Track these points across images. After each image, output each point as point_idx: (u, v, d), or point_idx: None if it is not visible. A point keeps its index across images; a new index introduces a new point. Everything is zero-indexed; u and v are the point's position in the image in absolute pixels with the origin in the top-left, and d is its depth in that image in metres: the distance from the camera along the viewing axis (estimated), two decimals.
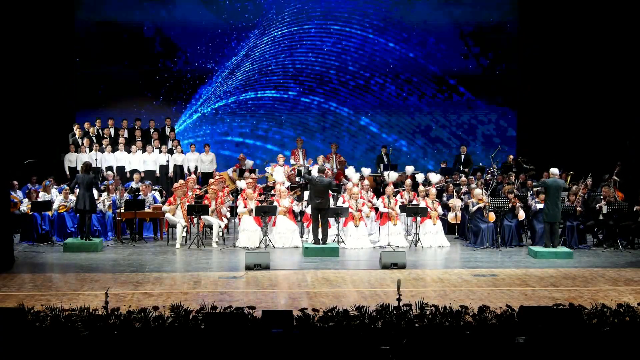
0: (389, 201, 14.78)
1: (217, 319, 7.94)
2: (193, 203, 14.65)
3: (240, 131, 20.63)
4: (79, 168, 15.74)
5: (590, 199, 15.27)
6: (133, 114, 19.48)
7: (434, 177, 16.24)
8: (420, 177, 15.95)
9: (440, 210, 15.22)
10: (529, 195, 15.72)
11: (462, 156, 19.33)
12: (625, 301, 9.39)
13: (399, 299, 8.39)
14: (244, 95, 20.57)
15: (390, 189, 15.07)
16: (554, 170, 14.14)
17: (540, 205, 14.40)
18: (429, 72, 20.90)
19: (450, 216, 15.77)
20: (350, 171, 15.75)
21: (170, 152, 18.34)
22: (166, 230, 15.13)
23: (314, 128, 20.83)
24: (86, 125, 18.38)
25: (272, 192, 15.67)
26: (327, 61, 20.73)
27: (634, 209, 14.77)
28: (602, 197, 14.94)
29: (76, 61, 19.56)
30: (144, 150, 18.04)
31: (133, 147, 17.95)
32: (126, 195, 15.38)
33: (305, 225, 15.21)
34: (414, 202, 15.14)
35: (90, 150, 17.70)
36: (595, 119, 18.76)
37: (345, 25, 20.72)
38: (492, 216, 14.66)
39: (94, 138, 18.15)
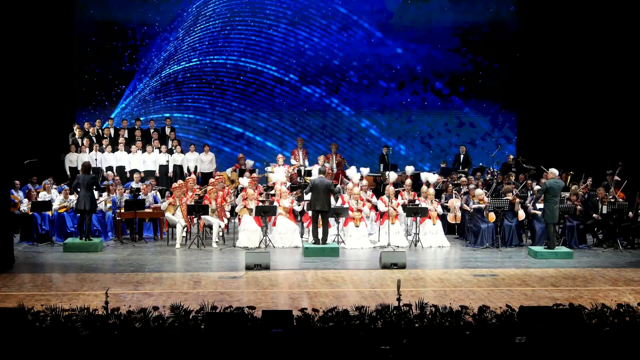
0: (390, 201, 14.77)
1: (217, 319, 7.94)
2: (193, 203, 14.65)
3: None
4: (79, 168, 15.74)
5: (590, 199, 15.27)
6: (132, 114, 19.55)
7: (432, 177, 16.23)
8: (423, 177, 15.91)
9: (440, 210, 15.21)
10: (529, 195, 15.72)
11: (462, 156, 19.31)
12: (625, 301, 9.40)
13: (399, 299, 8.40)
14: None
15: (391, 189, 15.05)
16: (554, 171, 14.12)
17: (540, 205, 14.39)
18: (428, 74, 20.94)
19: (450, 216, 15.77)
20: (350, 171, 15.73)
21: (170, 152, 18.33)
22: (166, 230, 15.13)
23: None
24: (86, 125, 18.36)
25: (272, 192, 15.67)
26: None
27: (629, 214, 14.75)
28: (597, 197, 14.95)
29: (75, 60, 19.58)
30: (143, 150, 18.03)
31: (133, 147, 17.94)
32: (126, 195, 15.37)
33: (305, 225, 15.20)
34: (416, 202, 15.14)
35: (90, 150, 17.68)
36: (595, 119, 18.75)
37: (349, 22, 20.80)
38: (492, 216, 14.65)
39: (94, 138, 18.14)
